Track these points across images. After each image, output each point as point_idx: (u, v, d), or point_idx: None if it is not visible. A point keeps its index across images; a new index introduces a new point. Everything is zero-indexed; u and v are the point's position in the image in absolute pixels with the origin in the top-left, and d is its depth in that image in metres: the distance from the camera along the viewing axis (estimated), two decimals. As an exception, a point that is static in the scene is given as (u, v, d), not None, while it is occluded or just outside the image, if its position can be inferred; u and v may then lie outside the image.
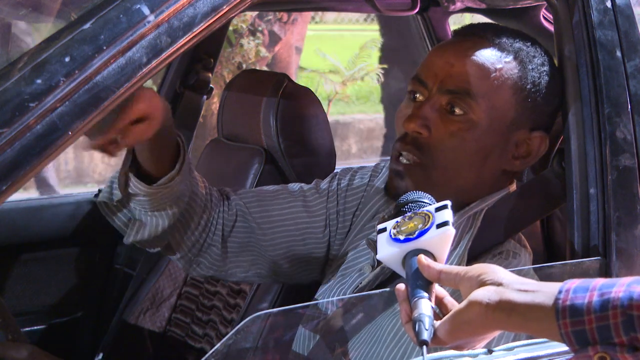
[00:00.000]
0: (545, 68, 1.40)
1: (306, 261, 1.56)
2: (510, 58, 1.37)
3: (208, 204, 1.49)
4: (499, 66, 1.36)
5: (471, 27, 1.44)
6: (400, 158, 1.39)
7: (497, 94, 1.36)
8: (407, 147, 1.37)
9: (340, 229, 1.56)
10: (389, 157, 1.44)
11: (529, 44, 1.40)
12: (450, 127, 1.35)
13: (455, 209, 1.38)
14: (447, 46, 1.42)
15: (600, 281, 0.92)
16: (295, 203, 1.55)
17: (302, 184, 1.59)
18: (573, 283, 0.93)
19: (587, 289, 0.91)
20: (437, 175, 1.36)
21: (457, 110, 1.35)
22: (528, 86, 1.37)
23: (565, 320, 0.90)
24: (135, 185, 1.38)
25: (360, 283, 1.42)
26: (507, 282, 0.97)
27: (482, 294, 0.96)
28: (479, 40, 1.39)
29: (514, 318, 0.94)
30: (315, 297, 1.54)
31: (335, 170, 1.97)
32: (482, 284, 0.98)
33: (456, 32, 1.46)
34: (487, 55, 1.37)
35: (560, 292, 0.92)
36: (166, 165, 1.39)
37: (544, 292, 0.94)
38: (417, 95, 1.40)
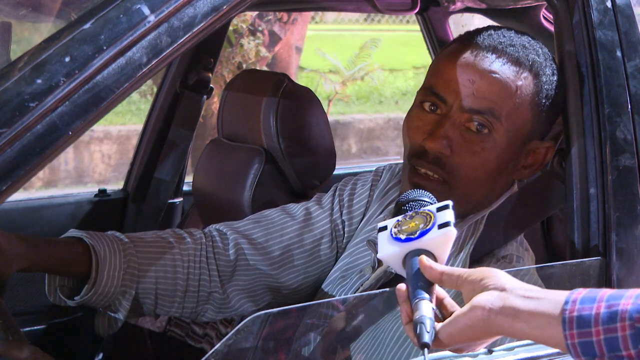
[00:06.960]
0: (555, 78, 1.39)
1: (319, 278, 1.55)
2: (527, 73, 1.35)
3: (190, 257, 1.46)
4: (519, 83, 1.34)
5: (483, 34, 1.39)
6: (420, 176, 1.36)
7: (517, 111, 1.35)
8: (429, 165, 1.35)
9: (347, 237, 1.56)
10: (388, 158, 1.42)
11: (539, 50, 1.38)
12: (472, 146, 1.34)
13: (462, 216, 1.38)
14: (465, 59, 1.36)
15: (607, 292, 0.91)
16: (297, 226, 1.54)
17: (303, 203, 1.58)
18: (579, 293, 0.92)
19: (594, 299, 0.91)
20: (458, 192, 1.35)
21: (480, 130, 1.34)
22: (542, 100, 1.37)
23: (572, 331, 0.90)
24: (71, 303, 1.37)
25: (362, 285, 1.42)
26: (510, 287, 0.96)
27: (485, 299, 0.96)
28: (496, 53, 1.35)
29: (517, 324, 0.94)
30: (315, 297, 1.53)
31: (334, 172, 1.99)
32: (485, 288, 0.97)
33: (468, 39, 1.39)
34: (507, 73, 1.34)
35: (567, 302, 0.91)
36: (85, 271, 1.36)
37: (548, 299, 0.93)
38: (434, 108, 1.37)
